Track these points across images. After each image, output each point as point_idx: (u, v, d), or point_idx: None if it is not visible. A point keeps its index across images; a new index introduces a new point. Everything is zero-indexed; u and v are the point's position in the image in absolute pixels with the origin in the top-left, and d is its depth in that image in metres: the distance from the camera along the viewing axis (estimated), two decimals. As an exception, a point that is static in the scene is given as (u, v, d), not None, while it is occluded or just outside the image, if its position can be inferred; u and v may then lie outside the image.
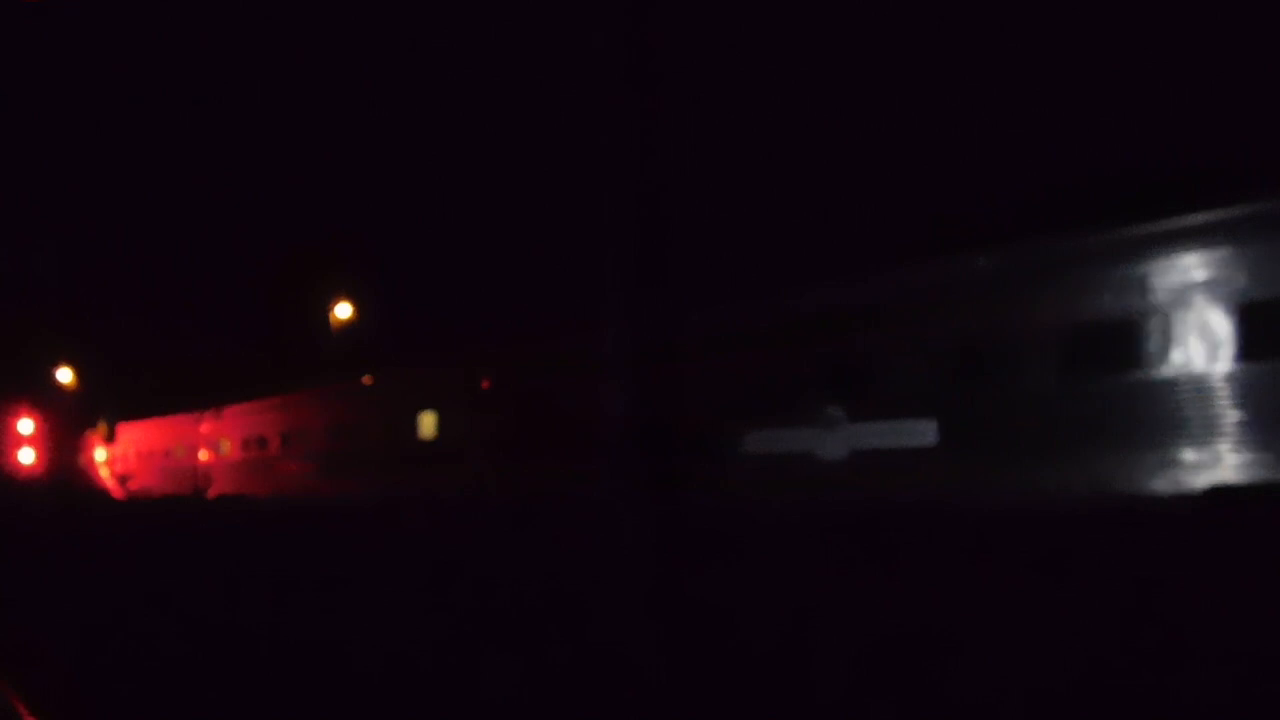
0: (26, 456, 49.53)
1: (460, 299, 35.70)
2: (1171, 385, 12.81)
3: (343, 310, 35.60)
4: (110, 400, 48.03)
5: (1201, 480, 12.38)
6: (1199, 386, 12.62)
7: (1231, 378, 12.42)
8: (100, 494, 42.99)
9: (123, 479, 44.27)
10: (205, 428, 37.54)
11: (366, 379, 29.38)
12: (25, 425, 50.66)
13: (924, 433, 14.75)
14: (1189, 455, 12.61)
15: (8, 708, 7.73)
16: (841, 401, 15.93)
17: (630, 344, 7.03)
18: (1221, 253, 12.65)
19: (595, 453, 7.71)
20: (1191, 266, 12.88)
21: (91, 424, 48.95)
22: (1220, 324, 12.59)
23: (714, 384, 16.83)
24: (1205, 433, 12.51)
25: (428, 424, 25.04)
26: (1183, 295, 12.85)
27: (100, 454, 48.93)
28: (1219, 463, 12.38)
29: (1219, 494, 11.89)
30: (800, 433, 16.32)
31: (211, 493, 35.04)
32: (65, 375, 51.37)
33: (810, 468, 16.05)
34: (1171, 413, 12.77)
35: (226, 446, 36.48)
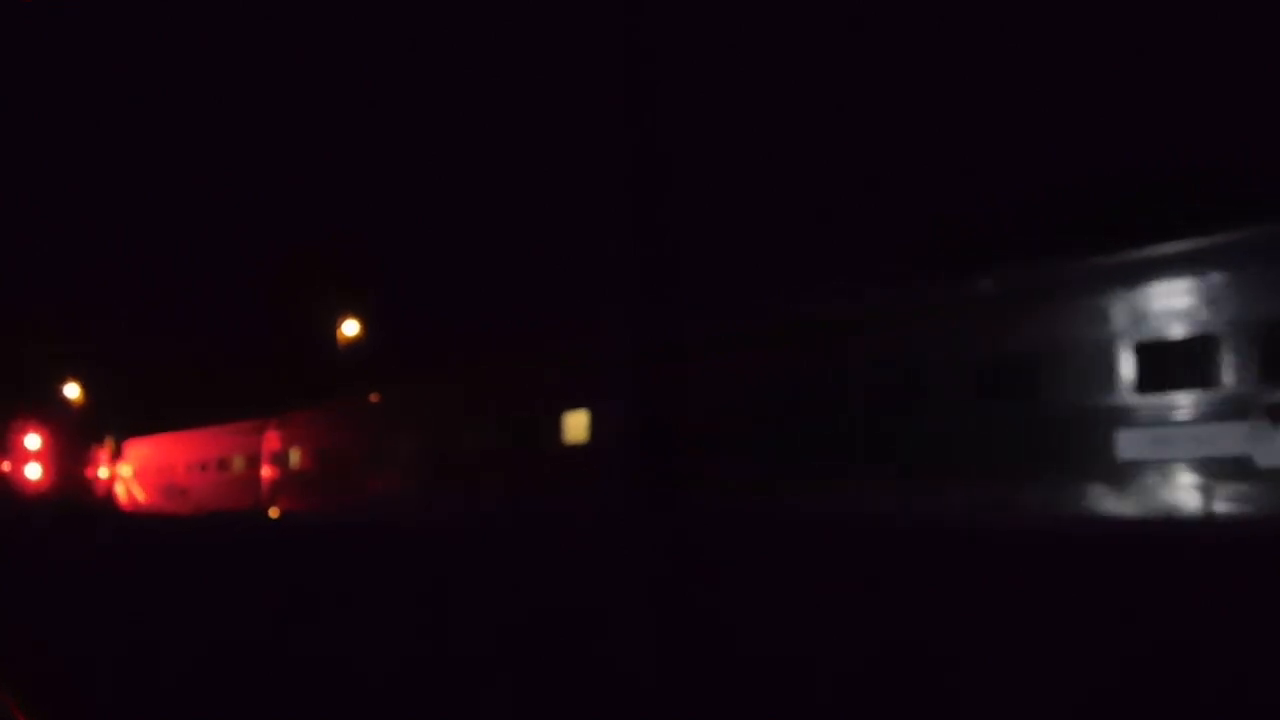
0: (33, 471, 49.69)
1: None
2: None
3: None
4: (118, 414, 47.90)
5: None
6: None
7: None
8: (110, 508, 42.72)
9: (176, 493, 40.09)
10: (271, 437, 33.86)
11: (487, 371, 24.27)
12: (32, 440, 50.82)
13: None
14: None
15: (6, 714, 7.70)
16: None
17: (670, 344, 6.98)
18: None
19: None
20: None
21: (98, 439, 48.90)
22: None
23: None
24: None
25: (576, 424, 20.14)
26: None
27: (126, 468, 46.45)
28: None
29: None
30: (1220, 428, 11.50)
31: (276, 507, 32.17)
32: (72, 390, 51.45)
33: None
34: None
35: (296, 457, 32.73)
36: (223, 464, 37.45)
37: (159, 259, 55.64)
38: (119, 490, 46.30)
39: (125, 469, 46.51)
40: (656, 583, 7.03)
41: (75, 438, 49.61)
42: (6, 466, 51.70)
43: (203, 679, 8.31)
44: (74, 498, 44.33)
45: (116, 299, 49.46)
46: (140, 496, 44.16)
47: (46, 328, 46.24)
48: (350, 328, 34.86)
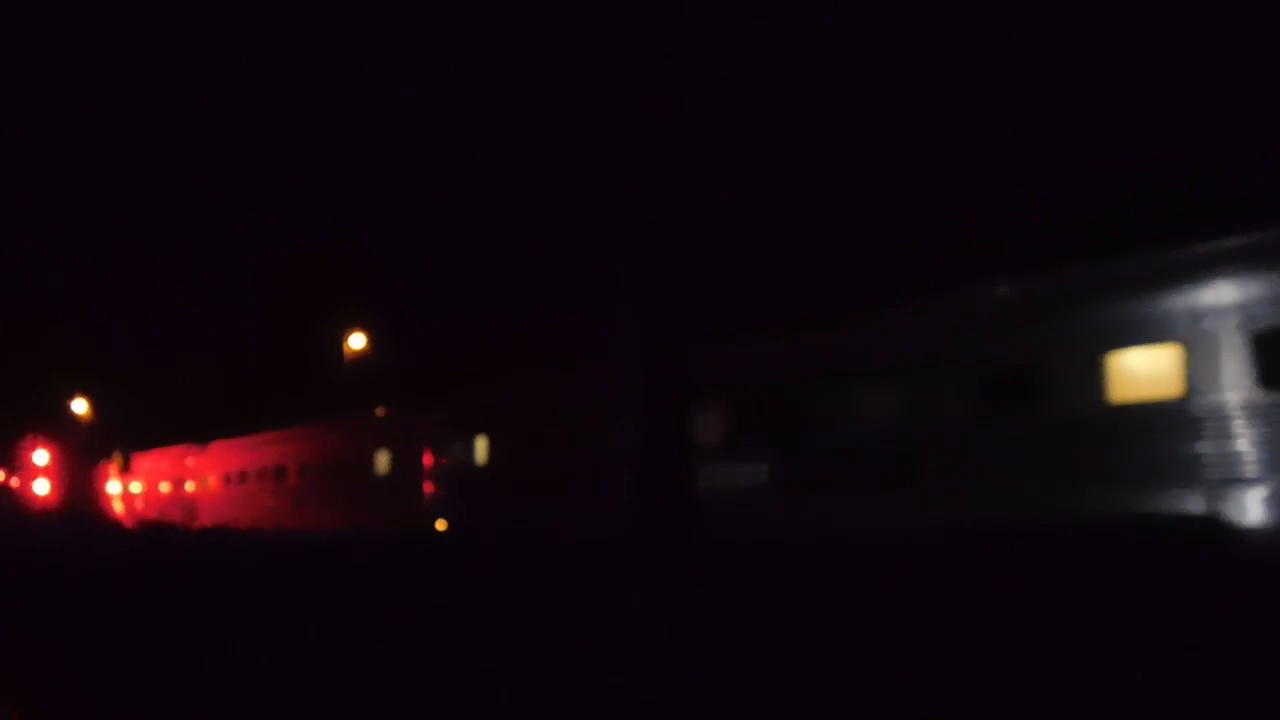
0: (41, 487, 49.74)
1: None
2: None
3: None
4: (126, 429, 47.87)
5: None
6: None
7: None
8: (115, 524, 42.32)
9: (292, 501, 31.57)
10: (439, 424, 24.63)
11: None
12: (40, 456, 50.87)
13: None
14: None
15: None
16: None
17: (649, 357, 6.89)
18: None
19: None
20: None
21: (107, 453, 48.91)
22: None
23: None
24: None
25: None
26: None
27: (204, 477, 39.44)
28: None
29: None
30: None
31: (443, 521, 23.74)
32: (80, 406, 51.55)
33: None
34: None
35: (482, 448, 22.86)
36: (352, 465, 28.88)
37: (169, 272, 55.76)
38: (159, 504, 44.85)
39: (202, 478, 39.86)
40: (668, 591, 6.96)
41: (83, 453, 49.68)
42: (15, 482, 51.73)
43: (206, 689, 8.26)
44: (82, 512, 44.30)
45: (125, 314, 49.58)
46: (212, 510, 37.85)
47: (53, 344, 46.34)
48: (357, 341, 34.71)
